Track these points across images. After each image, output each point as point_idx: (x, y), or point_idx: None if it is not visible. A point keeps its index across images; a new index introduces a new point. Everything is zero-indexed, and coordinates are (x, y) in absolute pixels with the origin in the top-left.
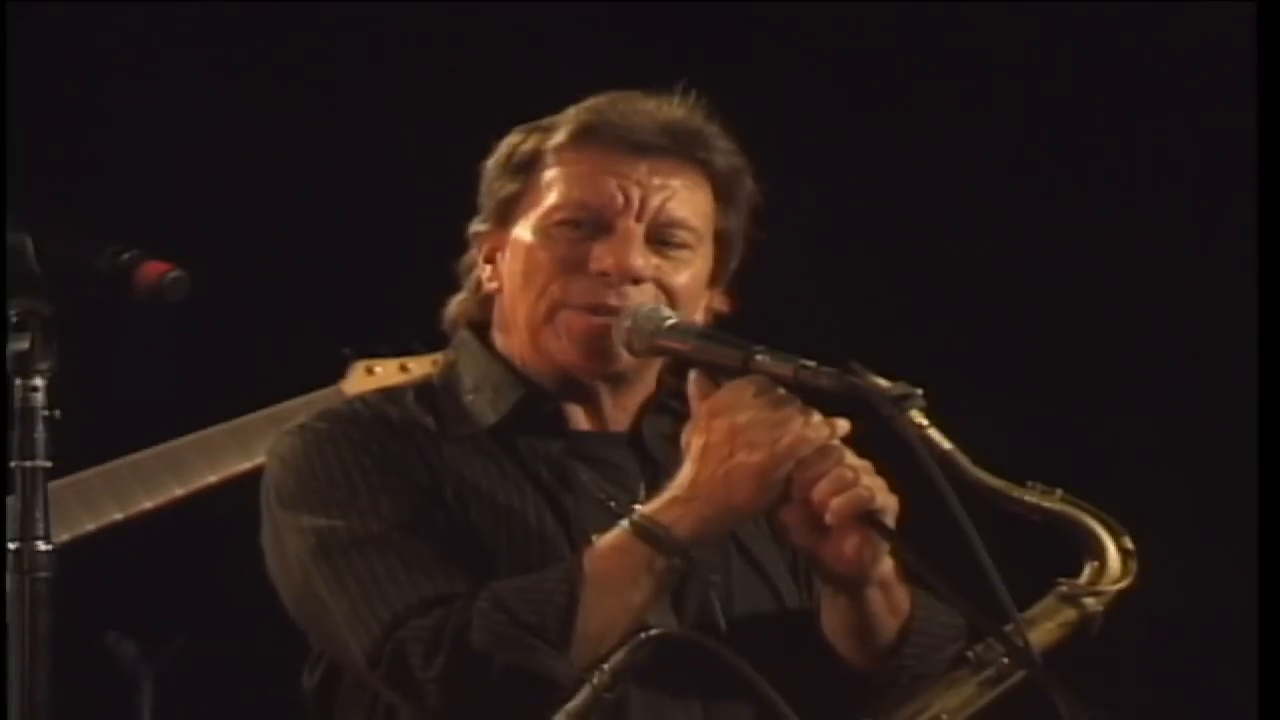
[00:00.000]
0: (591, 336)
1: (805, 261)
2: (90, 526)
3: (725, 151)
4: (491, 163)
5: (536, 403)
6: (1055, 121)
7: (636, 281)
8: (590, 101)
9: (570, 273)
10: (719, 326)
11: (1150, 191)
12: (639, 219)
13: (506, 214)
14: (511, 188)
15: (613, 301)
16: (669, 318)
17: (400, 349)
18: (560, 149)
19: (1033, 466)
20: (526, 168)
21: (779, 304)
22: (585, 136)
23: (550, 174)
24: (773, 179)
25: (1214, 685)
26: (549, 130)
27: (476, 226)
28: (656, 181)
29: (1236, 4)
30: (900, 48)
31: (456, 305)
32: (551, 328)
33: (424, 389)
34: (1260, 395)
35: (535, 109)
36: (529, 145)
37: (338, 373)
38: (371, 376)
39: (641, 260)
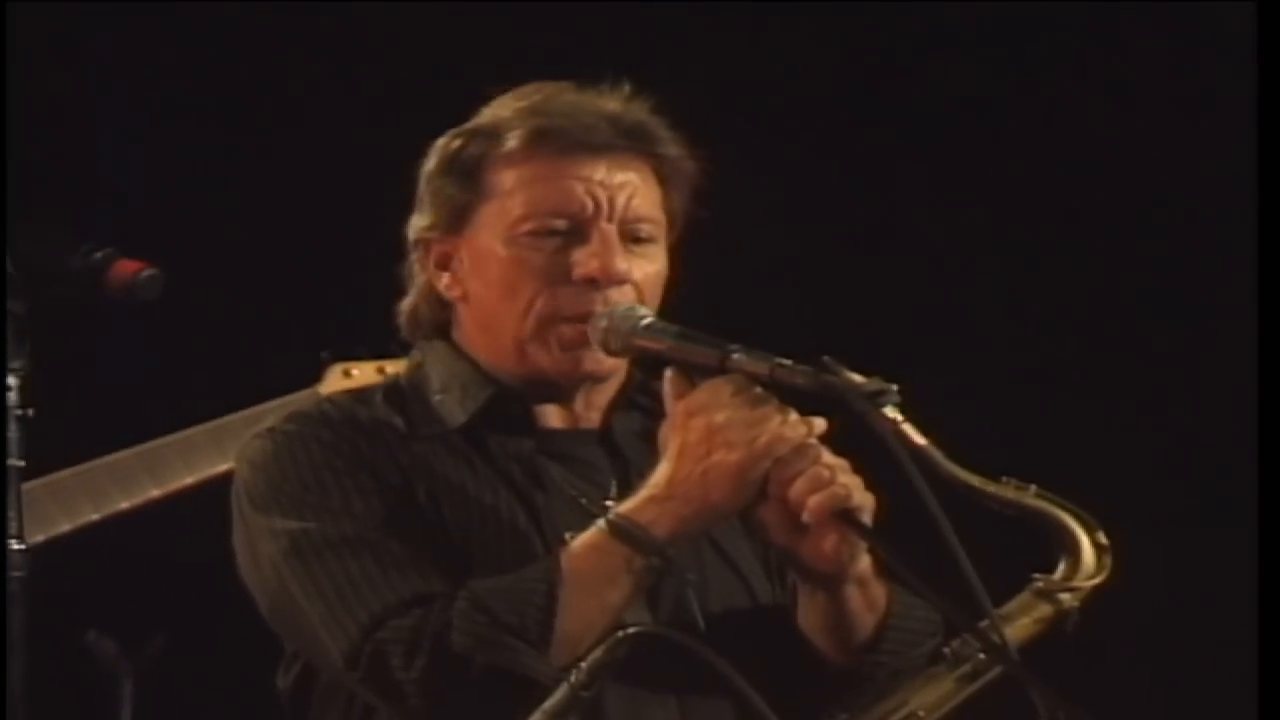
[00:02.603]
0: (582, 345)
1: (780, 259)
2: (66, 527)
3: (669, 140)
4: (432, 167)
5: (505, 402)
6: (1044, 115)
7: (620, 284)
8: (527, 102)
9: (555, 284)
10: (688, 320)
11: (1143, 184)
12: (610, 219)
13: (459, 221)
14: (461, 195)
15: (599, 308)
16: (645, 316)
17: (378, 352)
18: (512, 155)
19: (1008, 462)
20: (474, 173)
21: (754, 302)
22: (539, 141)
23: (508, 181)
24: (748, 175)
25: (1203, 680)
26: (494, 134)
27: (421, 233)
28: (618, 180)
29: (1236, 4)
30: (881, 39)
31: (410, 310)
32: (541, 341)
33: (392, 389)
34: (1261, 392)
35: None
36: (474, 150)
37: (315, 375)
38: (348, 379)
39: (624, 263)
